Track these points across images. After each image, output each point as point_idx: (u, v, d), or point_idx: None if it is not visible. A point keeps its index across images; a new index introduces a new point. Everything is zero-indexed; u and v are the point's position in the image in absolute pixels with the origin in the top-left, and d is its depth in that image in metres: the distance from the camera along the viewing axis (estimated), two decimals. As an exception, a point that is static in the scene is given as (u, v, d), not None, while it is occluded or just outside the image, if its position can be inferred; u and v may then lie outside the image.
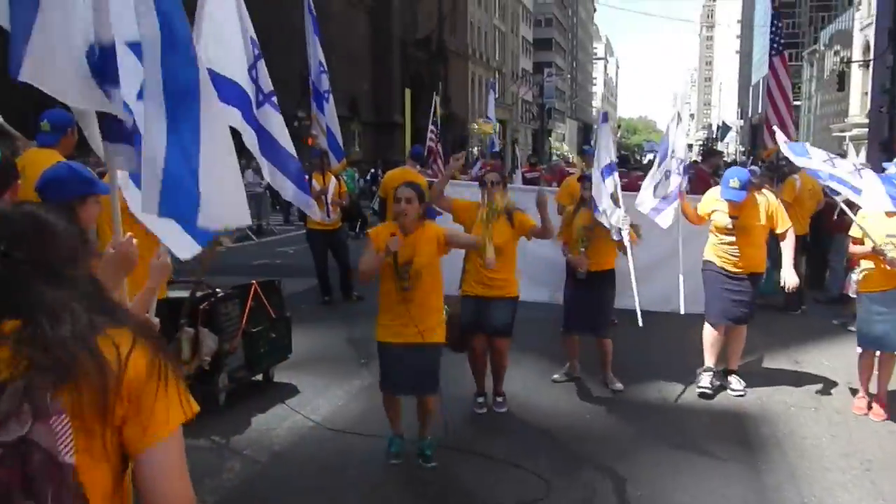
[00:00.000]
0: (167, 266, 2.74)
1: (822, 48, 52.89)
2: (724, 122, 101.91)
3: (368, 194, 20.67)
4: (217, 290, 4.94)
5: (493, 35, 61.13)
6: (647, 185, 6.07)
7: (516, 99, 62.73)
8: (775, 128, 10.33)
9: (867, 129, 35.34)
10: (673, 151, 5.98)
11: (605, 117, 6.31)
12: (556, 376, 5.73)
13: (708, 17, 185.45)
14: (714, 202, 5.48)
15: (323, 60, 7.95)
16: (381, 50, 39.70)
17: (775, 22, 10.22)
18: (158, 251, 2.77)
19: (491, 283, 4.78)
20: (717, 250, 5.46)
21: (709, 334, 5.54)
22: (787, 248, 5.37)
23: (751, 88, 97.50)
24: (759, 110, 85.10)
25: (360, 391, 5.33)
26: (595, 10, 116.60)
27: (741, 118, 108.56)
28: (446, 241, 4.07)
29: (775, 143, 9.91)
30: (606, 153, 5.65)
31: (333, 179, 8.51)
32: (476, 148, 37.00)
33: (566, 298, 5.62)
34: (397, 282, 3.92)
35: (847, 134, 40.88)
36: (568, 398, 5.39)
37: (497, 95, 34.37)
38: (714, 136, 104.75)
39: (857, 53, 41.21)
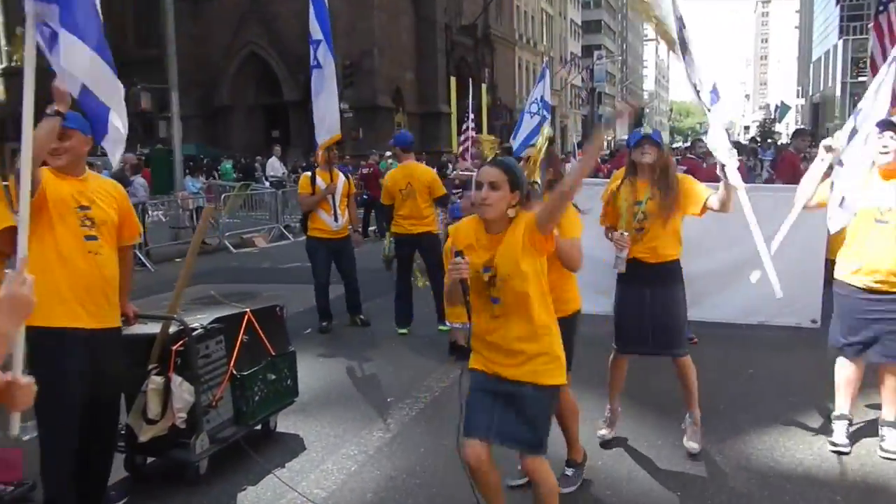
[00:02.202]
0: (24, 301, 1.71)
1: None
2: (783, 102, 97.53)
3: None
4: (195, 325, 3.88)
5: (541, 19, 59.37)
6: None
7: (565, 83, 60.83)
8: None
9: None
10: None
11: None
12: (602, 431, 4.26)
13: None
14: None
15: (314, 32, 6.80)
16: (425, 38, 38.68)
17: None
18: (8, 276, 1.73)
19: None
20: (855, 257, 3.89)
21: (842, 369, 4.11)
22: None
23: (811, 65, 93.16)
24: (821, 88, 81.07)
25: (380, 448, 4.22)
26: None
27: (801, 97, 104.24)
28: (539, 233, 2.70)
29: None
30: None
31: (342, 176, 7.03)
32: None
33: (616, 303, 4.14)
34: (482, 297, 2.77)
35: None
36: (636, 459, 4.12)
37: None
38: (772, 116, 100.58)
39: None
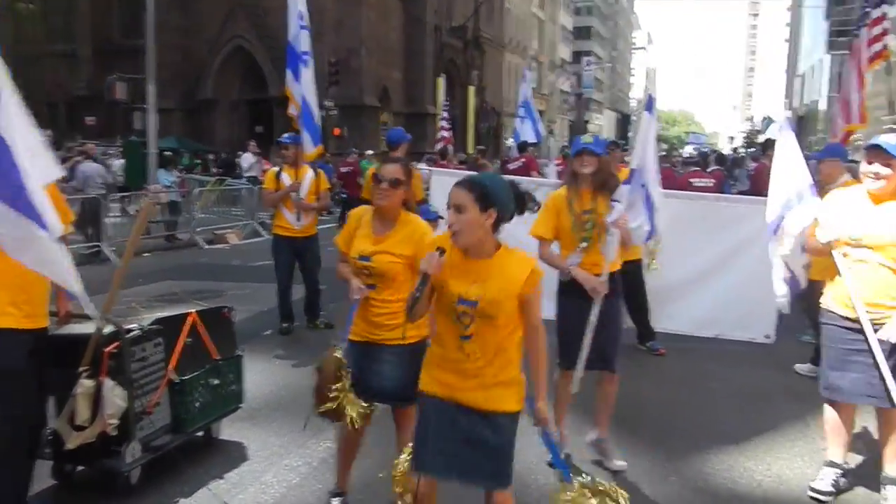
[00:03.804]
0: None
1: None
2: (768, 116, 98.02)
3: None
4: (131, 326, 3.69)
5: (531, 23, 59.34)
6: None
7: (553, 89, 60.93)
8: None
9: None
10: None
11: (651, 104, 4.30)
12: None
13: (754, 5, 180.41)
14: (840, 197, 3.71)
15: (305, 12, 6.57)
16: (413, 38, 38.41)
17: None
18: None
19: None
20: (837, 287, 3.62)
21: (830, 411, 3.75)
22: None
23: (798, 78, 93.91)
24: (807, 101, 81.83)
25: (326, 460, 4.02)
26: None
27: (787, 109, 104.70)
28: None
29: (858, 121, 8.45)
30: (642, 151, 4.09)
31: (310, 172, 6.74)
32: (510, 139, 35.60)
33: (558, 316, 3.99)
34: (450, 329, 2.56)
35: (903, 126, 38.32)
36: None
37: (534, 85, 32.89)
38: (758, 128, 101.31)
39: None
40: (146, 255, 11.65)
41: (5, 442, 2.94)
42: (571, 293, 3.86)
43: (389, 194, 3.21)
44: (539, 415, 2.59)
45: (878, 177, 3.44)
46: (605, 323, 3.87)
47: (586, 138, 4.05)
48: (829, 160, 5.36)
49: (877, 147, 3.44)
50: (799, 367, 5.77)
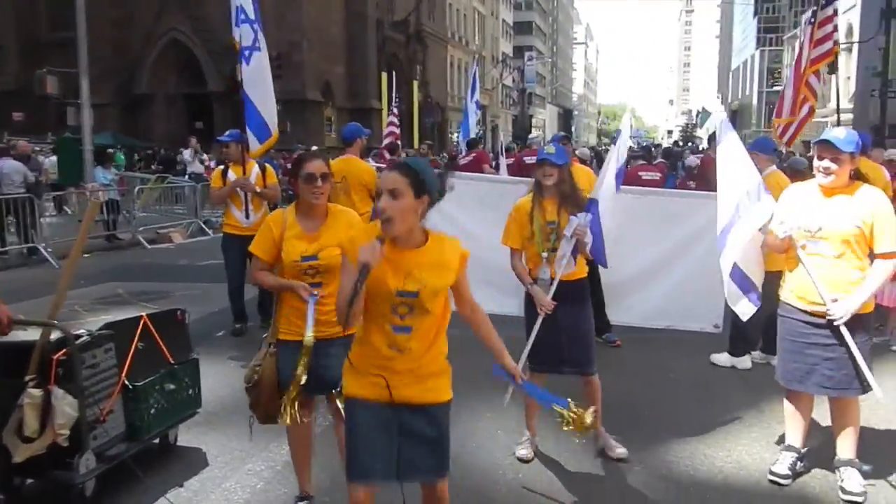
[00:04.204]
0: None
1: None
2: (704, 108, 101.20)
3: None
4: (80, 331, 3.52)
5: (473, 18, 59.52)
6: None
7: (497, 83, 61.28)
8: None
9: (851, 115, 34.40)
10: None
11: (617, 138, 4.50)
12: (521, 452, 4.07)
13: (688, 1, 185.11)
14: (793, 193, 3.81)
15: (247, 6, 6.43)
16: (355, 32, 38.05)
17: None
18: None
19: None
20: (794, 280, 3.68)
21: (788, 402, 3.87)
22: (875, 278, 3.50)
23: (730, 73, 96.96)
24: (739, 96, 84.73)
25: (289, 463, 3.88)
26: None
27: (721, 103, 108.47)
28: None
29: (788, 115, 8.71)
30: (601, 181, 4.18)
31: (257, 168, 6.62)
32: (456, 134, 35.55)
33: (527, 321, 4.00)
34: (383, 325, 2.47)
35: (828, 119, 39.90)
36: (555, 472, 4.01)
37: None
38: (694, 121, 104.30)
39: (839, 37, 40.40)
40: (86, 255, 11.20)
41: None
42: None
43: (325, 190, 3.19)
44: (510, 370, 2.75)
45: (827, 172, 3.53)
46: (576, 329, 3.93)
47: (548, 148, 4.04)
48: (752, 152, 5.61)
49: (826, 142, 3.52)
50: (751, 353, 5.92)
